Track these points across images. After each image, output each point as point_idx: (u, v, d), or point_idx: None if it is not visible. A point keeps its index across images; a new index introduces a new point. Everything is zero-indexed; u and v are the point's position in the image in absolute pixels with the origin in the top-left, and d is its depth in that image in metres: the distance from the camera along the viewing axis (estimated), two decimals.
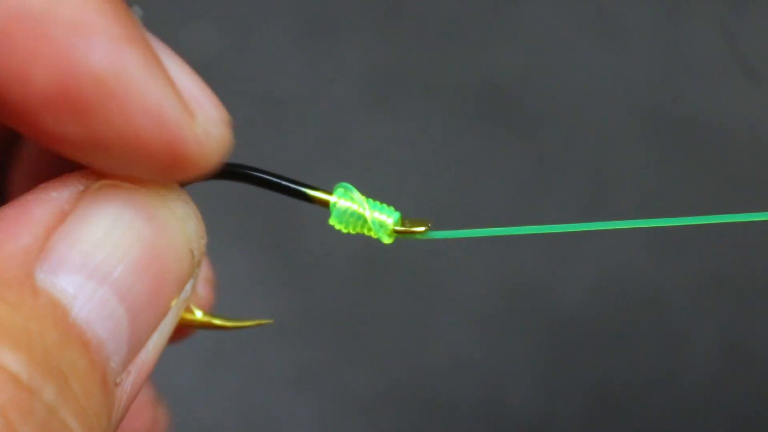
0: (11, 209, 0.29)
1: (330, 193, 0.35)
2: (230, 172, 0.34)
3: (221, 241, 0.88)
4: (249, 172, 0.35)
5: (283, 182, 0.35)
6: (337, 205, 0.34)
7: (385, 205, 0.35)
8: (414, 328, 0.88)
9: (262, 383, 0.86)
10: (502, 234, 0.36)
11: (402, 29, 0.99)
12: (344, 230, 0.35)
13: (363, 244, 0.90)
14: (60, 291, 0.28)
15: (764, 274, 0.91)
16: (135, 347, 0.30)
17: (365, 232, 0.35)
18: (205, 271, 0.39)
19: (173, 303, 0.31)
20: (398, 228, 0.35)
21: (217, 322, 0.37)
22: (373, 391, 0.85)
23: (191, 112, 0.30)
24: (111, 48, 0.27)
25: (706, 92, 0.97)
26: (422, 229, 0.35)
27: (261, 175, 0.35)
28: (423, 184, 0.92)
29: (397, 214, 0.35)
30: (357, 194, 0.35)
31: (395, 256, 0.89)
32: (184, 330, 0.39)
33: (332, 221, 0.35)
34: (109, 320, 0.29)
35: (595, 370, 0.87)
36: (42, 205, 0.29)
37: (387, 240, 0.35)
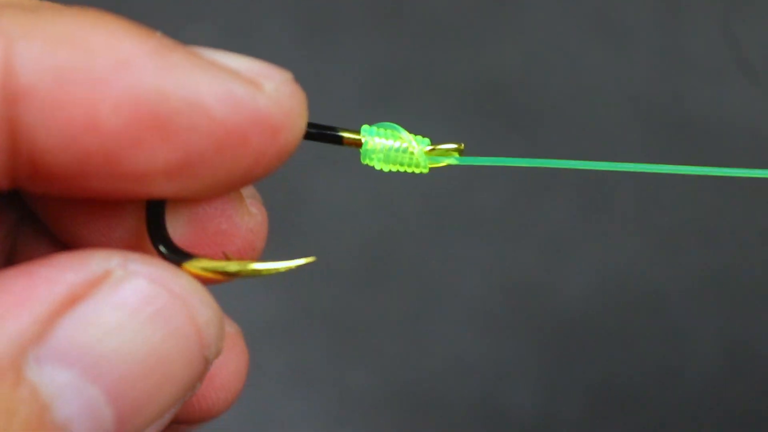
0: (18, 280, 0.27)
1: (358, 133, 0.35)
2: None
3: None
4: None
5: (314, 130, 0.34)
6: (369, 143, 0.35)
7: (414, 135, 0.36)
8: (414, 328, 0.88)
9: (262, 383, 0.86)
10: (534, 165, 0.35)
11: (402, 29, 0.99)
12: (379, 167, 0.35)
13: (363, 244, 0.90)
14: (46, 384, 0.26)
15: (764, 273, 0.91)
16: None
17: (400, 166, 0.36)
18: (249, 189, 0.37)
19: (179, 401, 0.29)
20: (431, 150, 0.35)
21: (257, 267, 0.35)
22: (373, 391, 0.85)
23: (255, 82, 0.29)
24: (156, 62, 0.27)
25: (706, 92, 0.97)
26: (454, 147, 0.36)
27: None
28: (423, 183, 0.92)
29: (426, 140, 0.36)
30: (384, 130, 0.35)
31: (396, 256, 0.89)
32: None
33: (367, 160, 0.35)
34: (93, 421, 0.27)
35: (596, 369, 0.87)
36: (53, 284, 0.27)
37: (424, 169, 0.36)
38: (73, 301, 0.27)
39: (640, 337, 0.88)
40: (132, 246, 0.33)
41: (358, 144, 0.35)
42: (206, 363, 0.30)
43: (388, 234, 0.89)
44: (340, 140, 0.35)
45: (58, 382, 0.26)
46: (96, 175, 0.27)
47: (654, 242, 0.91)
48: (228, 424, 0.85)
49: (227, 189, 0.31)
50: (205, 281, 0.31)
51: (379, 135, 0.35)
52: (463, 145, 0.36)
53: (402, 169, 0.36)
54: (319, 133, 0.34)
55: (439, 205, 0.91)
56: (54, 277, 0.27)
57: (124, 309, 0.28)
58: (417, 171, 0.36)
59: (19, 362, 0.26)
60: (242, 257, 0.37)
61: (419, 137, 0.35)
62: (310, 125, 0.34)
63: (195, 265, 0.30)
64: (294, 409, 0.85)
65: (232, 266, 0.32)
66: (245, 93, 0.29)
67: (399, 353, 0.87)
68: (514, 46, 0.99)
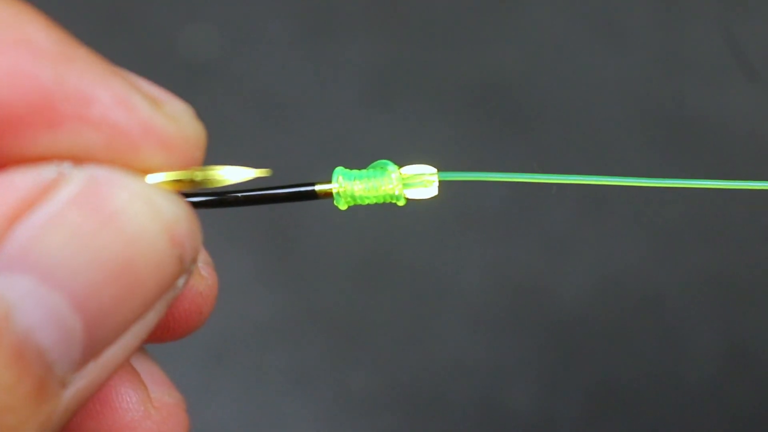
0: None
1: (329, 181, 0.34)
2: (226, 200, 0.32)
3: (221, 241, 0.88)
4: (243, 194, 0.32)
5: (283, 191, 0.33)
6: (341, 191, 0.34)
7: (383, 165, 0.35)
8: (414, 328, 0.88)
9: (262, 383, 0.86)
10: (509, 180, 0.35)
11: (402, 29, 0.99)
12: (358, 202, 0.35)
13: (363, 244, 0.90)
14: (3, 293, 0.25)
15: (764, 274, 0.91)
16: (93, 351, 0.27)
17: (378, 201, 0.35)
18: (203, 255, 0.37)
19: (155, 305, 0.28)
20: (407, 193, 0.35)
21: (222, 174, 0.34)
22: (373, 391, 0.85)
23: (157, 101, 0.28)
24: (60, 49, 0.27)
25: (706, 92, 0.97)
26: (430, 180, 0.35)
27: (257, 193, 0.33)
28: None
29: (399, 178, 0.35)
30: (355, 173, 0.35)
31: (396, 256, 0.89)
32: (196, 321, 0.36)
33: (342, 205, 0.35)
34: (59, 329, 0.26)
35: (596, 369, 0.87)
36: (5, 190, 0.26)
37: (401, 203, 0.35)
38: (27, 206, 0.26)
39: (640, 337, 0.88)
40: None
41: (329, 195, 0.34)
42: (181, 263, 0.28)
43: (389, 234, 0.89)
44: (315, 195, 0.34)
45: (17, 291, 0.25)
46: None
47: (654, 242, 0.91)
48: (228, 424, 0.85)
49: None
50: None
51: (350, 177, 0.34)
52: (435, 170, 0.35)
53: (380, 201, 0.35)
54: (288, 194, 0.33)
55: (439, 205, 0.91)
56: (5, 183, 0.26)
57: (81, 211, 0.26)
58: (396, 202, 0.35)
59: None
60: (188, 319, 0.35)
61: (387, 167, 0.35)
62: (276, 188, 0.33)
63: (156, 176, 0.29)
64: (294, 409, 0.85)
65: (198, 174, 0.30)
66: (143, 104, 0.28)
67: (399, 353, 0.87)
68: (514, 46, 0.99)
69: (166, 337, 0.35)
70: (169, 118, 0.28)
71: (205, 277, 0.35)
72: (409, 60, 0.98)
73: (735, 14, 1.00)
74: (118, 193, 0.27)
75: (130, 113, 0.27)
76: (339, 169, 0.35)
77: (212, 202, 0.32)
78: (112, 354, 0.27)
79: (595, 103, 0.96)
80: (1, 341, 0.25)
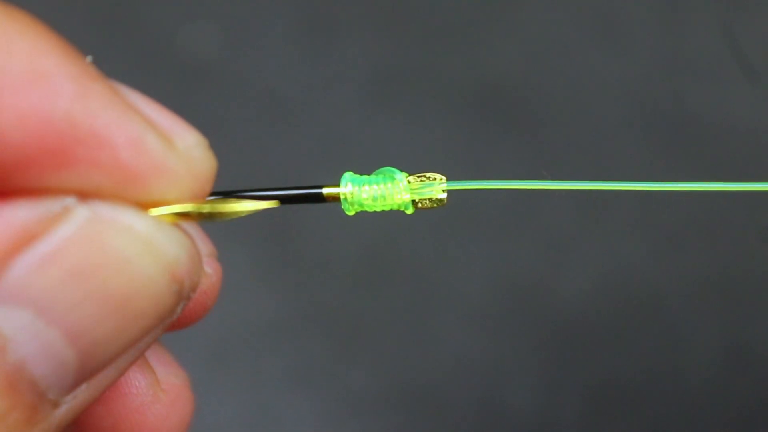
0: None
1: (337, 185, 0.34)
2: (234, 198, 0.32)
3: (221, 241, 0.88)
4: (254, 194, 0.33)
5: (291, 192, 0.33)
6: (349, 197, 0.34)
7: (391, 173, 0.35)
8: (414, 328, 0.88)
9: (262, 383, 0.86)
10: (518, 187, 0.35)
11: (402, 29, 0.99)
12: (366, 209, 0.35)
13: (363, 244, 0.90)
14: (0, 325, 0.25)
15: (764, 274, 0.91)
16: (86, 376, 0.27)
17: (386, 209, 0.35)
18: (208, 247, 0.36)
19: (152, 332, 0.28)
20: (416, 198, 0.35)
21: (211, 209, 0.34)
22: (373, 391, 0.85)
23: (169, 137, 0.28)
24: (75, 87, 0.26)
25: (706, 92, 0.97)
26: (439, 189, 0.35)
27: (265, 193, 0.33)
28: None
29: (407, 187, 0.35)
30: (364, 178, 0.34)
31: (396, 256, 0.89)
32: (198, 312, 0.37)
33: (350, 211, 0.34)
34: (52, 361, 0.26)
35: (596, 369, 0.87)
36: (5, 222, 0.26)
37: (410, 211, 0.35)
38: (28, 239, 0.26)
39: (639, 337, 0.88)
40: None
41: (337, 198, 0.34)
42: (179, 297, 0.28)
43: (389, 234, 0.89)
44: (322, 198, 0.34)
45: (12, 324, 0.26)
46: None
47: (654, 242, 0.91)
48: (228, 424, 0.85)
49: None
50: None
51: (359, 183, 0.34)
52: (444, 178, 0.35)
53: (387, 209, 0.35)
54: (298, 195, 0.33)
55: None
56: (7, 214, 0.26)
57: (81, 249, 0.27)
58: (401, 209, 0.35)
59: None
60: (191, 314, 0.36)
61: (396, 174, 0.35)
62: (288, 188, 0.33)
63: (162, 209, 0.29)
64: (294, 409, 0.85)
65: (205, 207, 0.30)
66: (156, 144, 0.28)
67: (399, 353, 0.87)
68: (514, 47, 0.99)
69: (180, 325, 0.36)
70: (181, 156, 0.28)
71: (210, 275, 0.35)
72: (410, 60, 0.98)
73: (735, 14, 1.00)
74: (120, 233, 0.27)
75: (141, 155, 0.27)
76: (348, 174, 0.35)
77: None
78: (105, 375, 0.28)
79: (596, 103, 0.96)
80: None
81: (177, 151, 0.28)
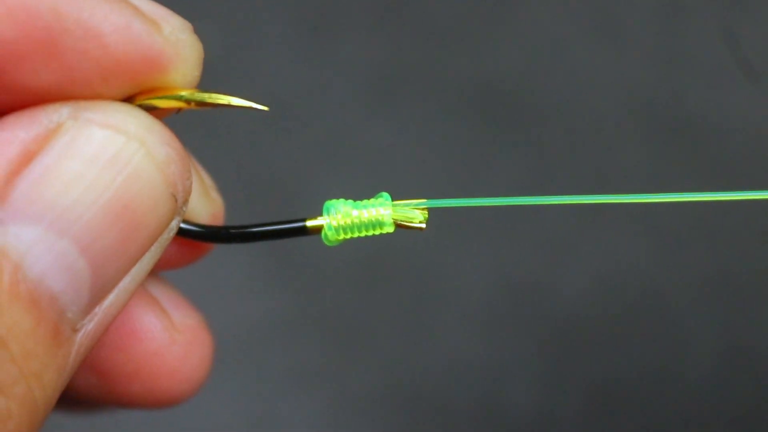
0: None
1: (317, 216, 0.35)
2: (219, 235, 0.33)
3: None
4: (240, 231, 0.33)
5: (273, 228, 0.34)
6: (332, 225, 0.34)
7: (375, 200, 0.35)
8: (414, 328, 0.88)
9: (262, 383, 0.86)
10: (495, 204, 0.35)
11: (402, 29, 0.99)
12: (348, 237, 0.35)
13: (363, 245, 0.90)
14: (13, 243, 0.26)
15: (764, 273, 0.91)
16: (99, 293, 0.28)
17: (368, 234, 0.35)
18: (207, 180, 0.37)
19: (152, 248, 0.29)
20: (398, 222, 0.35)
21: (206, 98, 0.33)
22: (373, 391, 0.85)
23: (156, 22, 0.29)
24: None
25: (706, 92, 0.97)
26: (420, 219, 0.35)
27: (251, 230, 0.33)
28: (423, 183, 0.92)
29: (389, 205, 0.35)
30: (344, 206, 0.34)
31: (395, 256, 0.89)
32: (195, 253, 0.37)
33: (330, 240, 0.34)
34: (68, 273, 0.27)
35: (596, 369, 0.87)
36: (5, 145, 0.27)
37: (390, 230, 0.35)
38: (28, 158, 0.27)
39: (639, 337, 0.88)
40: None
41: (319, 230, 0.34)
42: (174, 202, 0.29)
43: (388, 235, 0.89)
44: (303, 231, 0.34)
45: (25, 240, 0.26)
46: None
47: (654, 243, 0.91)
48: (228, 424, 0.85)
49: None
50: (161, 113, 0.30)
51: (342, 214, 0.34)
52: (426, 209, 0.35)
53: (369, 234, 0.35)
54: (279, 231, 0.34)
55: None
56: (5, 138, 0.27)
57: (80, 158, 0.27)
58: (383, 232, 0.36)
59: None
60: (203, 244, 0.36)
61: (381, 197, 0.35)
62: (266, 224, 0.33)
63: (147, 98, 0.30)
64: (294, 409, 0.85)
65: (184, 93, 0.31)
66: (142, 29, 0.28)
67: (399, 353, 0.87)
68: (514, 47, 0.99)
69: (182, 261, 0.36)
70: (169, 41, 0.29)
71: (215, 200, 0.36)
72: (409, 60, 0.98)
73: (735, 14, 1.00)
74: (114, 138, 0.28)
75: (129, 43, 0.28)
76: (330, 203, 0.35)
77: (202, 235, 0.33)
78: (114, 298, 0.28)
79: (596, 103, 0.96)
80: (18, 289, 0.26)
81: (163, 34, 0.29)
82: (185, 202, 0.30)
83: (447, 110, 0.96)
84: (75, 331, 0.28)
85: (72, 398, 0.35)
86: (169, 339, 0.36)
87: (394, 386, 0.86)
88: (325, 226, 0.34)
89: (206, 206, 0.35)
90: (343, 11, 1.00)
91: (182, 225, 0.31)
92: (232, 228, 0.33)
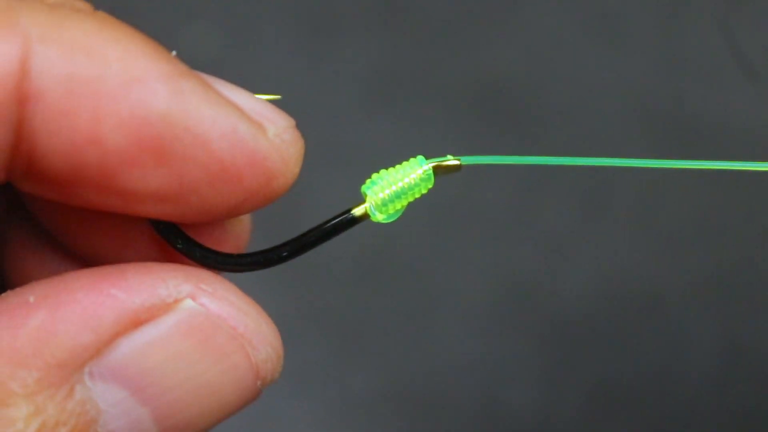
0: (87, 293, 0.27)
1: (361, 203, 0.34)
2: (271, 259, 0.34)
3: None
4: (293, 247, 0.34)
5: (320, 232, 0.34)
6: (376, 206, 0.34)
7: (405, 164, 0.35)
8: (414, 328, 0.88)
9: None
10: (534, 162, 0.35)
11: (402, 29, 0.99)
12: (396, 215, 0.35)
13: (363, 245, 0.90)
14: (97, 399, 0.27)
15: (764, 273, 0.91)
16: None
17: (413, 198, 0.35)
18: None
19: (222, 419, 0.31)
20: (436, 165, 0.35)
21: None
22: (373, 391, 0.85)
23: (260, 124, 0.30)
24: (169, 87, 0.27)
25: (706, 92, 0.97)
26: (456, 162, 0.35)
27: (304, 240, 0.34)
28: None
29: (424, 163, 0.35)
30: (379, 180, 0.34)
31: (395, 256, 0.89)
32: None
33: (382, 219, 0.34)
34: None
35: (596, 369, 0.87)
36: (120, 303, 0.28)
37: (430, 184, 0.35)
38: (136, 323, 0.28)
39: (639, 337, 0.88)
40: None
41: (367, 216, 0.34)
42: (259, 390, 0.31)
43: (388, 234, 0.89)
44: (354, 222, 0.34)
45: (108, 399, 0.27)
46: (88, 185, 0.28)
47: (654, 242, 0.91)
48: (228, 424, 0.85)
49: (215, 218, 0.31)
50: None
51: (379, 188, 0.34)
52: (460, 160, 0.35)
53: (412, 199, 0.35)
54: (327, 232, 0.34)
55: (439, 205, 0.91)
56: (122, 296, 0.28)
57: (184, 340, 0.28)
58: (425, 191, 0.35)
59: (75, 376, 0.27)
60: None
61: (411, 161, 0.35)
62: (313, 231, 0.34)
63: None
64: (294, 409, 0.85)
65: None
66: (248, 133, 0.29)
67: (399, 353, 0.87)
68: (514, 47, 0.99)
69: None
70: (272, 144, 0.30)
71: (241, 220, 0.37)
72: (409, 60, 0.98)
73: (735, 14, 1.00)
74: (222, 329, 0.29)
75: (235, 148, 0.29)
76: (366, 185, 0.34)
77: (255, 263, 0.34)
78: None
79: (595, 103, 0.96)
80: None
81: (268, 138, 0.30)
82: (272, 382, 0.32)
83: (447, 110, 0.96)
84: None
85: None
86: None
87: (394, 386, 0.85)
88: (368, 210, 0.34)
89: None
90: (343, 11, 1.00)
91: (239, 263, 0.32)
92: (281, 247, 0.34)
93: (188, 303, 0.29)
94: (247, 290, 0.94)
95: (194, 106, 0.28)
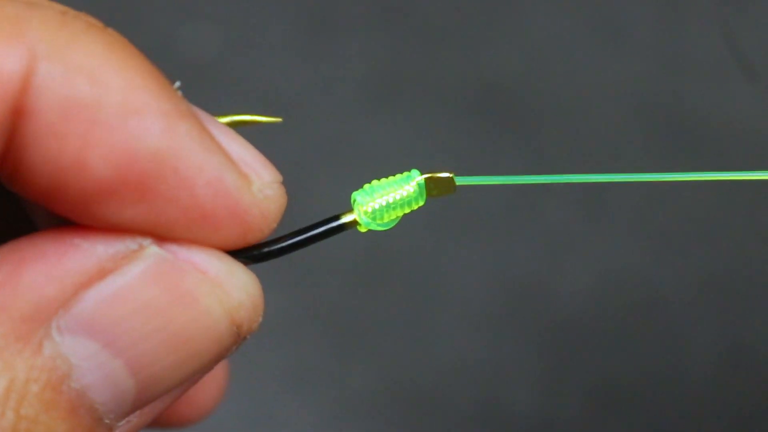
0: (50, 246, 0.27)
1: (349, 211, 0.34)
2: (253, 256, 0.32)
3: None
4: (271, 249, 0.33)
5: (307, 235, 0.34)
6: (364, 215, 0.34)
7: (399, 176, 0.35)
8: (414, 328, 0.88)
9: (262, 383, 0.86)
10: (528, 182, 0.35)
11: (402, 29, 0.99)
12: (387, 225, 0.35)
13: (363, 244, 0.90)
14: (65, 354, 0.27)
15: (764, 274, 0.91)
16: (143, 405, 0.29)
17: (402, 212, 0.35)
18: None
19: (201, 373, 0.30)
20: (428, 177, 0.35)
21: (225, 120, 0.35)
22: (373, 391, 0.85)
23: (247, 177, 0.30)
24: (164, 125, 0.27)
25: (706, 92, 0.97)
26: (447, 176, 0.35)
27: (283, 244, 0.33)
28: None
29: (417, 176, 0.35)
30: (370, 190, 0.34)
31: (395, 256, 0.89)
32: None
33: (370, 227, 0.34)
34: (113, 389, 0.28)
35: (596, 370, 0.87)
36: (84, 255, 0.27)
37: (421, 201, 0.35)
38: (101, 274, 0.27)
39: (639, 337, 0.88)
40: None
41: (356, 224, 0.34)
42: (237, 338, 0.30)
43: (389, 234, 0.89)
44: (342, 228, 0.34)
45: (79, 353, 0.27)
46: (66, 204, 0.28)
47: (654, 243, 0.91)
48: (228, 424, 0.85)
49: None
50: None
51: (370, 197, 0.34)
52: (453, 174, 0.35)
53: (403, 213, 0.35)
54: (314, 236, 0.34)
55: (439, 204, 0.91)
56: (86, 245, 0.27)
57: (152, 288, 0.28)
58: (416, 207, 0.35)
59: (42, 330, 0.26)
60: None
61: (405, 174, 0.35)
62: (299, 232, 0.33)
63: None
64: (294, 409, 0.85)
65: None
66: (233, 185, 0.29)
67: (399, 353, 0.87)
68: (514, 47, 0.99)
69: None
70: (255, 199, 0.30)
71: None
72: (410, 60, 0.98)
73: (735, 14, 1.00)
74: (190, 274, 0.28)
75: (218, 196, 0.29)
76: (356, 193, 0.35)
77: (254, 256, 0.32)
78: (161, 402, 0.29)
79: (595, 104, 0.96)
80: (59, 398, 0.26)
81: (252, 192, 0.30)
82: (250, 332, 0.30)
83: (447, 110, 0.96)
84: (110, 430, 0.28)
85: None
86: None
87: (394, 386, 0.85)
88: (357, 218, 0.34)
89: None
90: (343, 11, 1.00)
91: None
92: (264, 245, 0.33)
93: (154, 249, 0.28)
94: None
95: (186, 148, 0.28)
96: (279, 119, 0.34)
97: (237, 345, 0.30)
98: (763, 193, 0.93)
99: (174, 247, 0.29)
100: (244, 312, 0.30)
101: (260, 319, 0.31)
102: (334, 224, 0.33)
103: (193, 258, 0.29)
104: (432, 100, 0.96)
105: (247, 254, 0.31)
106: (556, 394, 0.86)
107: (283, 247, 0.33)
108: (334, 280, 0.89)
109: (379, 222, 0.34)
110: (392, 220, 0.34)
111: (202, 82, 0.96)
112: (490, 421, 0.85)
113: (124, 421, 0.28)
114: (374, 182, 0.34)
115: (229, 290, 0.29)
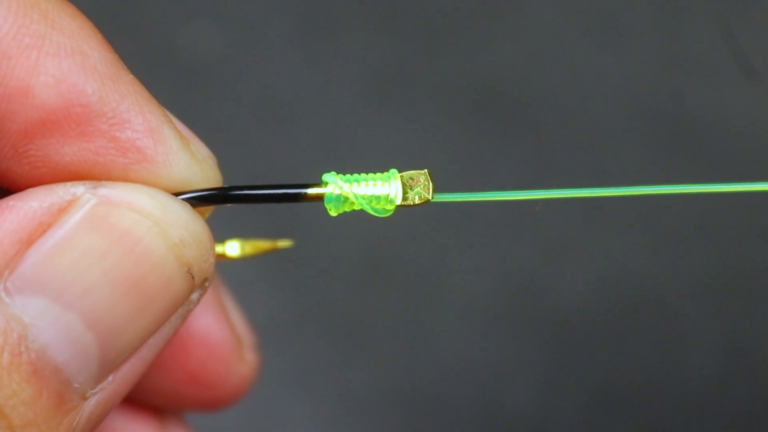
0: None
1: (319, 185, 0.34)
2: (214, 197, 0.32)
3: (220, 240, 0.87)
4: (233, 192, 0.32)
5: (271, 191, 0.33)
6: (333, 194, 0.33)
7: (378, 175, 0.35)
8: (414, 328, 0.88)
9: (262, 383, 0.85)
10: (501, 198, 0.35)
11: (402, 29, 0.99)
12: (344, 210, 0.34)
13: (363, 244, 0.90)
14: (17, 315, 0.26)
15: (764, 274, 0.91)
16: (110, 364, 0.28)
17: (370, 206, 0.35)
18: (249, 336, 0.39)
19: (169, 320, 0.29)
20: (400, 203, 0.34)
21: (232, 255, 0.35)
22: (373, 390, 0.85)
23: (186, 139, 0.30)
24: (110, 71, 0.29)
25: (706, 92, 0.97)
26: (426, 196, 0.35)
27: (246, 192, 0.32)
28: None
29: (395, 177, 0.34)
30: (344, 181, 0.34)
31: (396, 256, 0.89)
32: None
33: (332, 211, 0.34)
34: (73, 345, 0.27)
35: (596, 369, 0.87)
36: (19, 215, 0.27)
37: (389, 212, 0.35)
38: (40, 229, 0.27)
39: (639, 337, 0.88)
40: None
41: (320, 198, 0.33)
42: (191, 280, 0.29)
43: (389, 234, 0.89)
44: (305, 197, 0.33)
45: (30, 312, 0.27)
46: (9, 138, 0.28)
47: (654, 243, 0.91)
48: (228, 424, 0.85)
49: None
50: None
51: (339, 184, 0.33)
52: (428, 170, 0.35)
53: (370, 206, 0.34)
54: (276, 195, 0.33)
55: (439, 205, 0.91)
56: (20, 208, 0.27)
57: (92, 233, 0.28)
58: (389, 207, 0.35)
59: None
60: (233, 392, 0.38)
61: (387, 174, 0.34)
62: (266, 187, 0.32)
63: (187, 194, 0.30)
64: (294, 409, 0.85)
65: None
66: (172, 138, 0.30)
67: (399, 353, 0.87)
68: (514, 47, 0.99)
69: (209, 407, 0.38)
70: (194, 157, 0.30)
71: (248, 362, 0.38)
72: (409, 60, 0.98)
73: (735, 15, 1.00)
74: (127, 214, 0.28)
75: (158, 143, 0.29)
76: (330, 174, 0.34)
77: (202, 198, 0.32)
78: (131, 366, 0.29)
79: (596, 104, 0.96)
80: (19, 360, 0.26)
81: (191, 151, 0.30)
82: (206, 279, 0.30)
83: (447, 110, 0.96)
84: (84, 398, 0.28)
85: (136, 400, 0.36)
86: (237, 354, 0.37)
87: (394, 386, 0.86)
88: (325, 195, 0.33)
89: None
90: (343, 11, 1.00)
91: (182, 196, 0.31)
92: (231, 189, 0.32)
93: (87, 196, 0.28)
94: (248, 290, 0.93)
95: (129, 94, 0.29)
96: (290, 243, 0.35)
97: (195, 291, 0.30)
98: (763, 193, 0.93)
99: (108, 190, 0.28)
100: (189, 250, 0.29)
101: (212, 260, 0.30)
102: (298, 191, 0.32)
103: (128, 198, 0.28)
104: (431, 101, 0.96)
105: (213, 195, 0.31)
106: (556, 394, 0.86)
107: (249, 195, 0.32)
108: (335, 280, 0.89)
109: (345, 208, 0.33)
110: (359, 208, 0.34)
111: (202, 82, 0.96)
112: (490, 421, 0.85)
113: (97, 388, 0.28)
114: (355, 174, 0.34)
115: (168, 227, 0.29)
